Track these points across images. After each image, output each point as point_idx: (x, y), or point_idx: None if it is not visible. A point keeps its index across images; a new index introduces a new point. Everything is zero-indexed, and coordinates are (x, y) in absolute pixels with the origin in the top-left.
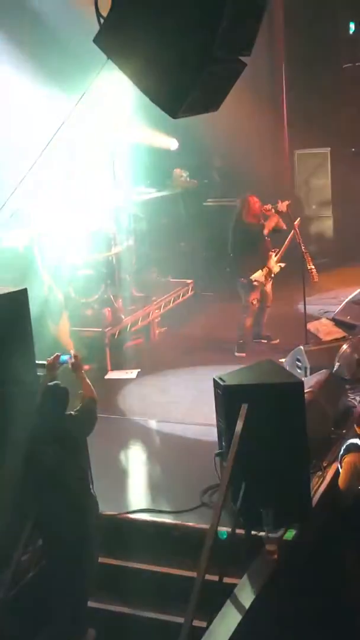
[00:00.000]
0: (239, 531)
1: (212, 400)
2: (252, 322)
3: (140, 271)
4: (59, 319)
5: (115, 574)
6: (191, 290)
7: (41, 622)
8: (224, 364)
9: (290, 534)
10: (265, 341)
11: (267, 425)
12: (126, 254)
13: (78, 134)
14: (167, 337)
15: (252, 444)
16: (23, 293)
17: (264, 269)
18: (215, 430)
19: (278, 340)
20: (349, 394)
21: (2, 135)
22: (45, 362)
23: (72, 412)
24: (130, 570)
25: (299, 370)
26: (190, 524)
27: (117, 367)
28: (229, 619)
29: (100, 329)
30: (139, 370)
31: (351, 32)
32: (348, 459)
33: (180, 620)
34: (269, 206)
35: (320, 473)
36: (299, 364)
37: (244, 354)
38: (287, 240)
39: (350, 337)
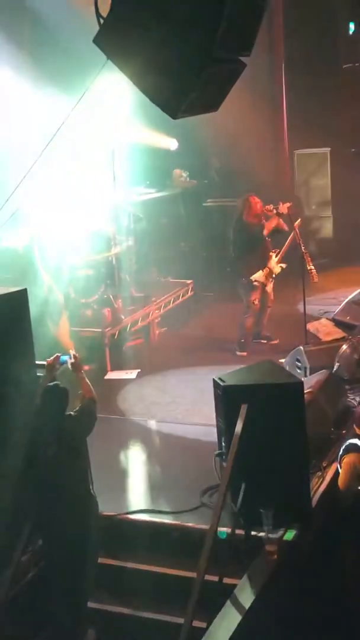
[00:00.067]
0: (238, 531)
1: (212, 400)
2: (253, 322)
3: (140, 271)
4: (59, 319)
5: (115, 574)
6: (191, 291)
7: (41, 622)
8: (224, 364)
9: (290, 534)
10: (265, 341)
11: (267, 426)
12: (126, 254)
13: (78, 134)
14: (167, 337)
15: (252, 444)
16: (23, 293)
17: (265, 269)
18: (215, 430)
19: (278, 341)
20: (349, 394)
21: (2, 136)
22: (45, 363)
23: (71, 413)
24: (130, 571)
25: (298, 371)
26: (190, 524)
27: (117, 367)
28: (229, 619)
29: (100, 329)
30: (139, 370)
31: (351, 32)
32: (347, 459)
33: (180, 620)
34: (270, 206)
35: (320, 473)
36: (299, 364)
37: (245, 353)
38: (288, 241)
39: (350, 337)
